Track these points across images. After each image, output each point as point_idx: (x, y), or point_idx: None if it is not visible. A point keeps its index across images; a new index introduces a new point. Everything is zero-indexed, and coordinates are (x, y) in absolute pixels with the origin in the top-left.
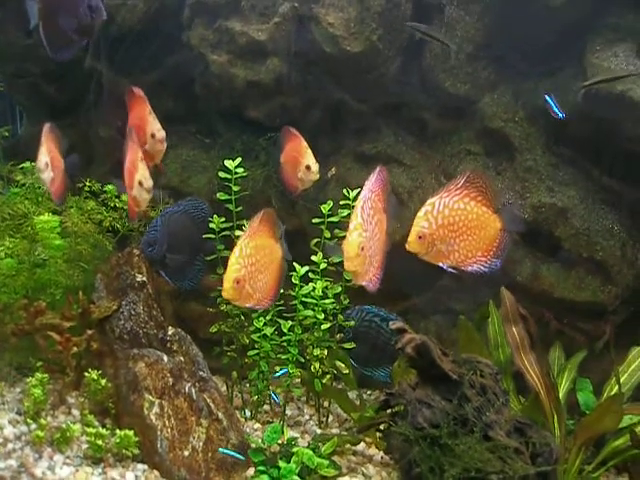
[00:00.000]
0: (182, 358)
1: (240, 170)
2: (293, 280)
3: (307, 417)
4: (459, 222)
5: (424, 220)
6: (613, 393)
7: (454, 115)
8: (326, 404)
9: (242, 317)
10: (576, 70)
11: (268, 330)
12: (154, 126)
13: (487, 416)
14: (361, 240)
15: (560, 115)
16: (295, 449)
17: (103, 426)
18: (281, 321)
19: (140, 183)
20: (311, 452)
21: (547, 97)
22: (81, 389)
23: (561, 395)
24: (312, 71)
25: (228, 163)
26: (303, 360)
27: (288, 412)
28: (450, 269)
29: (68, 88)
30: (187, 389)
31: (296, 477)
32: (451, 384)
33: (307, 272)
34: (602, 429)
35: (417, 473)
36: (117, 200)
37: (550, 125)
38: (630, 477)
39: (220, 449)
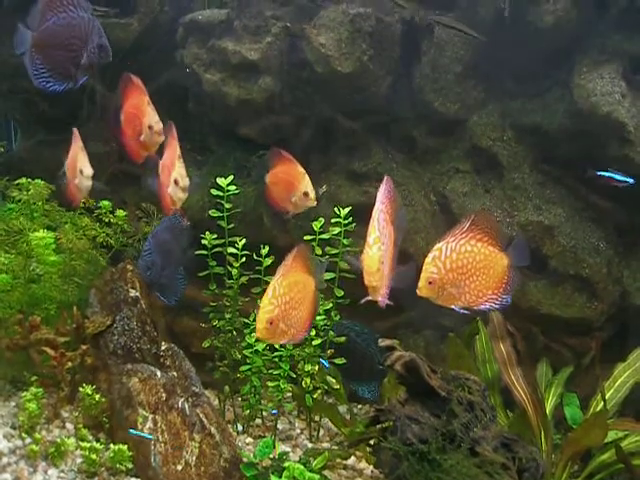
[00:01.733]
0: (175, 373)
1: (232, 187)
2: None
3: (298, 431)
4: (467, 265)
5: (433, 266)
6: (599, 409)
7: (443, 134)
8: (317, 418)
9: (234, 333)
10: (563, 91)
11: (260, 346)
12: (152, 118)
13: (474, 432)
14: (380, 254)
15: (630, 181)
16: (286, 464)
17: (97, 440)
18: None
19: (175, 181)
20: (302, 467)
21: (602, 173)
22: (75, 403)
23: (548, 410)
24: (304, 90)
25: (220, 180)
26: (294, 375)
27: (280, 426)
28: (462, 310)
29: (62, 104)
30: (180, 404)
31: None
32: (439, 400)
33: None
34: (588, 444)
35: None
36: (111, 216)
37: (537, 144)
38: None
39: (130, 430)
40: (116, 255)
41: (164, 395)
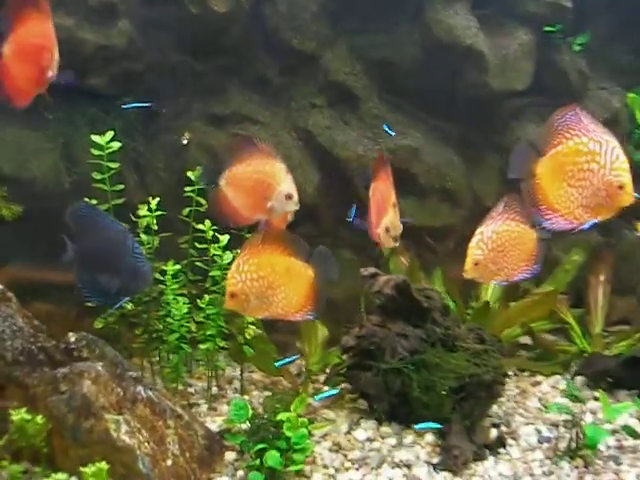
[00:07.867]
0: (101, 363)
1: (116, 145)
2: (213, 252)
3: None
4: (505, 243)
5: (477, 249)
6: (489, 297)
7: (295, 71)
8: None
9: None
10: (411, 26)
11: (182, 308)
12: None
13: (455, 331)
14: None
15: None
16: (281, 416)
17: (33, 474)
18: (201, 300)
19: (387, 229)
20: (294, 414)
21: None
22: None
23: None
24: (156, 34)
25: (97, 138)
26: (227, 332)
27: (198, 387)
28: (502, 282)
29: None
30: (144, 393)
31: (309, 441)
32: (421, 313)
33: None
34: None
35: (398, 401)
36: None
37: (385, 76)
38: None
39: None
40: None
41: (119, 390)
